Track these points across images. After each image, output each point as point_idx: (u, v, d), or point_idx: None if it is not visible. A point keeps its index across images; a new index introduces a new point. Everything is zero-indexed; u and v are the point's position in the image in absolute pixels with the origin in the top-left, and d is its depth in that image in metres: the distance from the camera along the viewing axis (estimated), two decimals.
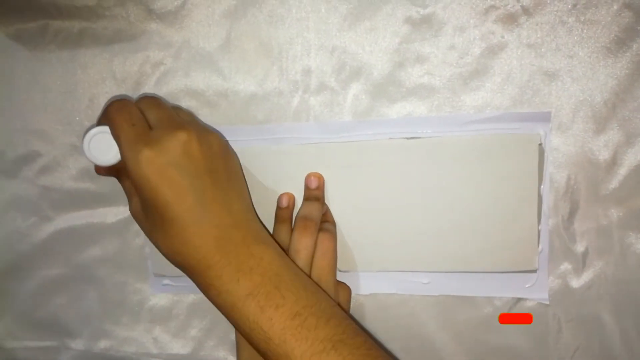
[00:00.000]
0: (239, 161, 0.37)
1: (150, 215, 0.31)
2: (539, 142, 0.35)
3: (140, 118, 0.32)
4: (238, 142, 0.38)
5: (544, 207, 0.36)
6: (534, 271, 0.37)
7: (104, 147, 0.32)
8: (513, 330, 0.38)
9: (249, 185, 0.37)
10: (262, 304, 0.29)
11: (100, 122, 0.33)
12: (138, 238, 0.43)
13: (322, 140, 0.38)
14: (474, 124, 0.36)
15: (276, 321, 0.28)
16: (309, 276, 0.34)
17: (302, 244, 0.34)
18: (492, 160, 0.36)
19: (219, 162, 0.33)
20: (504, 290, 0.38)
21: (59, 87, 0.42)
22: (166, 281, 0.43)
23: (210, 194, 0.31)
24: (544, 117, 0.35)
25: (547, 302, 0.37)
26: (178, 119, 0.33)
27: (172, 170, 0.30)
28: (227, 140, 0.37)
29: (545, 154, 0.36)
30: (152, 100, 0.34)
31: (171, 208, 0.30)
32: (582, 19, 0.34)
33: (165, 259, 0.32)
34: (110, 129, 0.32)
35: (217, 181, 0.32)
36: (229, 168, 0.34)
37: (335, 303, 0.32)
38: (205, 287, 0.31)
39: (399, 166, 0.37)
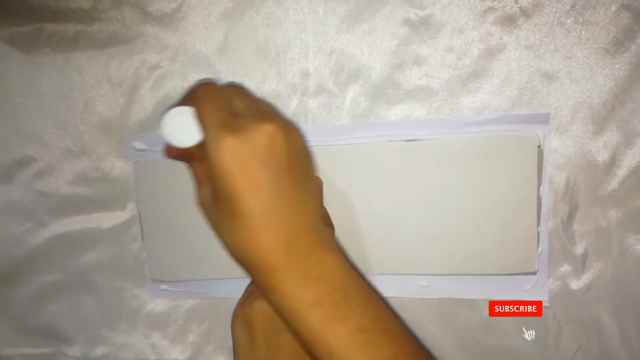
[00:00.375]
0: (315, 160, 0.35)
1: (220, 206, 0.30)
2: (538, 144, 0.35)
3: (228, 104, 0.30)
4: None
5: (543, 209, 0.36)
6: (534, 273, 0.37)
7: (182, 129, 0.30)
8: (513, 332, 0.38)
9: None
10: (329, 314, 0.28)
11: (184, 102, 0.31)
12: (134, 243, 0.42)
13: (321, 143, 0.38)
14: (473, 126, 0.36)
15: (341, 334, 0.27)
16: None
17: None
18: (491, 162, 0.36)
19: (298, 159, 0.31)
20: (504, 293, 0.38)
21: (54, 91, 0.41)
22: (164, 286, 0.42)
23: (287, 192, 0.29)
24: (543, 119, 0.35)
25: (547, 304, 0.37)
26: (265, 110, 0.32)
27: (253, 162, 0.28)
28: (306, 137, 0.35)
29: (544, 156, 0.36)
30: (240, 89, 0.33)
31: (244, 201, 0.28)
32: (580, 20, 0.34)
33: (229, 256, 0.31)
34: (197, 111, 0.30)
35: (295, 179, 0.30)
36: (306, 166, 0.32)
37: (398, 318, 0.31)
38: (268, 290, 0.30)
39: (398, 169, 0.37)
